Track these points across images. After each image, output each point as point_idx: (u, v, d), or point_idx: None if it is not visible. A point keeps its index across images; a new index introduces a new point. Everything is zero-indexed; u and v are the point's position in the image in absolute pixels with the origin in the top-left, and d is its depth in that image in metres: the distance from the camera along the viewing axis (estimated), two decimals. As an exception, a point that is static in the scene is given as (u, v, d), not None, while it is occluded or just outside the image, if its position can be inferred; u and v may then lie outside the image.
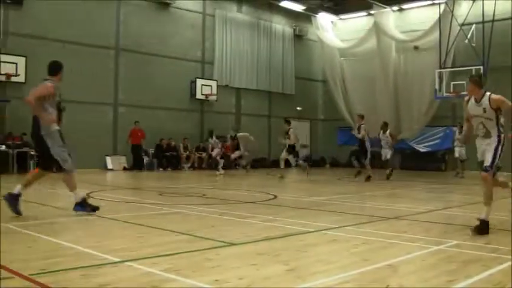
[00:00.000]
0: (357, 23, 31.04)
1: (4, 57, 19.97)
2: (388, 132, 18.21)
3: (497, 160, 6.81)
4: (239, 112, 28.65)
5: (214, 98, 26.60)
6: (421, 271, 4.69)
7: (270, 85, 29.82)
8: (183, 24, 26.18)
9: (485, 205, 6.74)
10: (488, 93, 6.99)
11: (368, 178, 17.06)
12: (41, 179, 8.27)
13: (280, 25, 30.71)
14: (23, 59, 20.29)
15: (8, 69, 19.94)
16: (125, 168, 22.88)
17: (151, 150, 24.20)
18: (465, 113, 7.35)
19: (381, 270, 4.65)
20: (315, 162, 30.56)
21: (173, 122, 24.87)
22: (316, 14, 31.08)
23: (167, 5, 25.33)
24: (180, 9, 26.00)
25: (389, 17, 28.83)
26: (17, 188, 7.78)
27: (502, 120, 6.98)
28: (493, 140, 6.89)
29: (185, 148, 25.16)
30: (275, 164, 28.58)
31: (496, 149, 6.82)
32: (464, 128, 7.88)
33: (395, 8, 28.70)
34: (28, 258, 4.91)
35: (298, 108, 30.85)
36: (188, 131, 25.43)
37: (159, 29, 24.97)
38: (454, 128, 22.30)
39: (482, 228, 6.56)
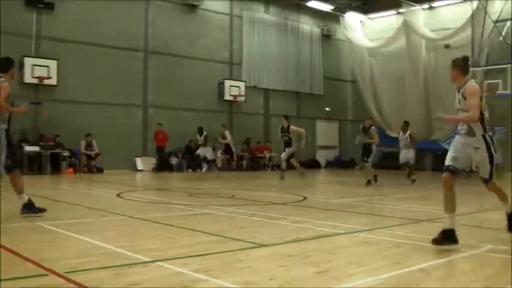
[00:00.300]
0: (385, 22, 30.76)
1: (37, 61, 20.35)
2: (408, 133, 17.02)
3: (494, 168, 5.89)
4: (267, 113, 28.63)
5: (242, 99, 26.64)
6: (456, 276, 4.60)
7: (298, 86, 29.73)
8: (210, 26, 26.27)
9: (503, 203, 6.21)
10: (469, 81, 5.96)
11: (369, 182, 15.69)
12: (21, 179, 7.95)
13: (308, 25, 30.61)
14: (55, 62, 20.63)
15: (41, 72, 20.30)
16: (154, 169, 23.04)
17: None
18: None
19: (413, 274, 4.57)
20: (344, 164, 30.39)
21: (202, 123, 24.93)
22: (344, 13, 30.90)
23: (194, 6, 25.45)
24: (208, 10, 26.10)
25: (419, 16, 28.48)
26: (21, 199, 7.75)
27: (485, 111, 5.99)
28: (481, 144, 5.82)
29: (214, 149, 25.20)
30: (304, 165, 28.51)
31: (490, 159, 5.82)
32: None
33: (425, 6, 28.36)
34: (60, 256, 4.97)
35: (326, 108, 30.73)
36: (217, 132, 25.49)
37: (187, 30, 25.10)
38: None
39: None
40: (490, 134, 5.89)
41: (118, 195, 11.46)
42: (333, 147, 31.66)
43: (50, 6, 20.99)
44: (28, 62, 20.17)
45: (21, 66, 19.74)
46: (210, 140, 22.67)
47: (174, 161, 23.91)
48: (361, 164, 16.65)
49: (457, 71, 6.00)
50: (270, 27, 28.80)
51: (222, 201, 10.84)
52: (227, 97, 26.19)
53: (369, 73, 30.68)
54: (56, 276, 4.15)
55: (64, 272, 4.24)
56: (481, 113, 5.82)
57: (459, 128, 6.04)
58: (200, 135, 21.97)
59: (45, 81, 20.50)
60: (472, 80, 5.97)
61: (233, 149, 21.24)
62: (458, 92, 5.98)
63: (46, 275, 4.22)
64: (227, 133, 20.43)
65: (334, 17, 31.22)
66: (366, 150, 15.98)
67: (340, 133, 32.32)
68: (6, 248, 5.21)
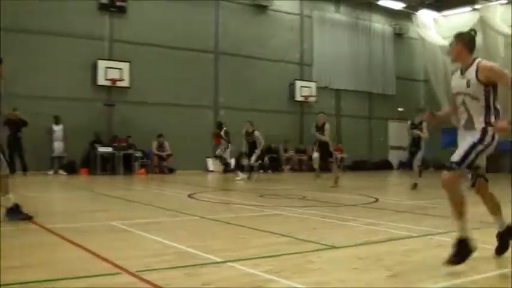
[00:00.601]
0: (460, 19, 29.72)
1: (110, 63, 20.99)
2: None
3: (471, 157, 4.68)
4: (339, 114, 28.38)
5: (313, 99, 26.54)
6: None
7: (370, 86, 29.32)
8: (280, 27, 26.32)
9: (457, 219, 5.00)
10: (478, 60, 4.85)
11: (415, 185, 14.34)
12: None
13: (380, 24, 30.13)
14: (127, 64, 21.22)
15: (113, 74, 20.93)
16: (225, 170, 23.22)
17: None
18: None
19: (492, 279, 4.38)
20: (417, 165, 29.71)
21: (273, 124, 25.01)
22: (417, 11, 30.23)
23: (264, 7, 25.56)
24: (278, 11, 26.15)
25: (496, 11, 27.48)
26: (9, 202, 7.16)
27: (496, 103, 4.87)
28: (475, 135, 4.73)
29: (285, 150, 25.25)
30: (376, 166, 28.14)
31: (474, 144, 4.68)
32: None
33: (502, 1, 27.33)
34: (133, 255, 5.06)
35: (399, 109, 30.07)
36: (288, 132, 25.50)
37: (257, 31, 25.23)
38: None
39: (459, 254, 4.73)
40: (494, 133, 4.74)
41: (189, 195, 11.61)
42: (406, 148, 30.94)
43: (122, 10, 21.66)
44: (101, 64, 20.86)
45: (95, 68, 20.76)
46: (230, 136, 19.71)
47: (245, 162, 24.01)
48: (418, 163, 14.83)
49: (462, 46, 4.92)
50: (341, 26, 28.54)
51: (292, 202, 10.79)
52: (298, 98, 26.17)
53: (442, 72, 29.84)
54: (129, 275, 4.23)
55: (136, 271, 4.31)
56: (488, 99, 4.81)
57: (460, 119, 5.00)
58: (220, 131, 19.41)
59: (118, 83, 21.12)
60: (479, 58, 4.90)
61: (258, 149, 18.64)
62: (462, 73, 4.92)
63: (119, 273, 4.30)
64: (258, 133, 18.45)
65: (406, 15, 30.60)
66: (417, 145, 15.03)
67: (413, 133, 31.58)
68: (82, 247, 5.37)
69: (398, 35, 30.89)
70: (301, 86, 26.35)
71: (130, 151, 20.77)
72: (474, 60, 4.85)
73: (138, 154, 21.13)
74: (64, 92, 20.05)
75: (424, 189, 14.50)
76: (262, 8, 25.56)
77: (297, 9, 27.04)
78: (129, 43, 21.64)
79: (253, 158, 18.37)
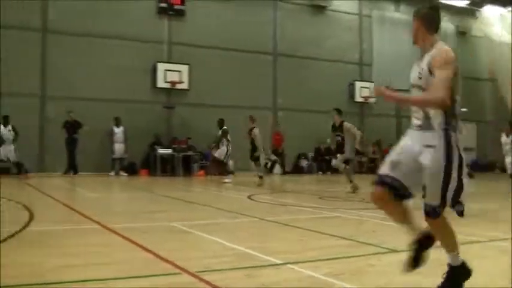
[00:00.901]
0: (528, 14, 28.85)
1: (169, 66, 21.32)
2: None
3: (453, 188, 3.65)
4: (399, 114, 27.88)
5: (373, 100, 26.21)
6: None
7: (431, 86, 28.68)
8: (339, 27, 26.12)
9: (450, 251, 4.15)
10: (439, 44, 3.79)
11: None
12: None
13: (442, 22, 29.40)
14: (186, 66, 21.50)
15: (173, 77, 21.25)
16: (284, 172, 23.21)
17: (310, 154, 24.38)
18: None
19: None
20: (482, 167, 28.83)
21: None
22: (481, 7, 29.38)
23: (323, 8, 25.43)
24: (336, 11, 25.97)
25: None
26: None
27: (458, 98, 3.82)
28: (437, 141, 3.63)
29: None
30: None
31: (447, 167, 3.57)
32: None
33: None
34: (193, 256, 5.09)
35: (463, 109, 29.27)
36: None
37: (315, 32, 25.13)
38: None
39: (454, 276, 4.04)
40: (457, 132, 3.73)
41: (249, 197, 11.63)
42: (470, 150, 30.10)
43: (181, 13, 21.99)
44: (161, 67, 21.22)
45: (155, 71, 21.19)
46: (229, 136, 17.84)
47: (304, 163, 23.97)
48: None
49: (420, 24, 3.86)
50: (401, 25, 27.99)
51: (352, 204, 10.63)
52: (358, 98, 25.90)
53: (510, 70, 28.86)
54: (189, 275, 4.25)
55: (196, 272, 4.32)
56: (454, 99, 3.77)
57: (412, 118, 3.98)
58: (220, 129, 17.65)
59: (177, 86, 21.42)
60: (443, 43, 3.83)
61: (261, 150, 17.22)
62: (421, 60, 3.85)
63: (179, 273, 4.33)
64: (256, 131, 16.99)
65: (470, 12, 29.79)
66: None
67: (478, 135, 30.64)
68: (142, 247, 5.43)
69: (462, 33, 30.08)
70: (361, 87, 26.07)
71: (189, 153, 21.01)
72: (436, 44, 3.81)
73: (198, 156, 21.34)
74: (124, 94, 20.50)
75: (493, 193, 14.07)
76: (320, 9, 25.43)
77: (356, 9, 26.78)
78: (188, 46, 21.94)
79: (261, 161, 16.88)
